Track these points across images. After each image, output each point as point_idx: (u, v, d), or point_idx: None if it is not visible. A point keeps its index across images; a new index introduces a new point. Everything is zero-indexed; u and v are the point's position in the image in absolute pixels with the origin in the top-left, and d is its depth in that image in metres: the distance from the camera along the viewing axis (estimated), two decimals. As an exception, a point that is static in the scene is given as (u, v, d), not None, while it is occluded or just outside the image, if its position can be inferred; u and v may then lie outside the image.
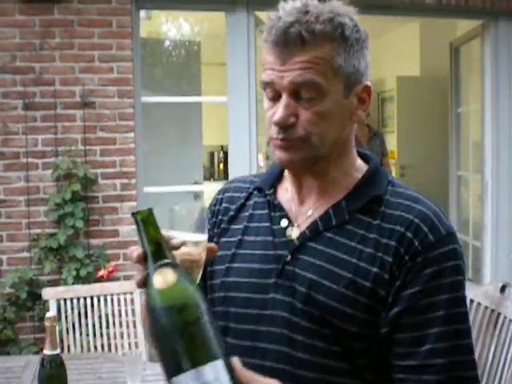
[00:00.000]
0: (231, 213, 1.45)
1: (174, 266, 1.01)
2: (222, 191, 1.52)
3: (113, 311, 3.66)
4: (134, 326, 3.61)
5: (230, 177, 4.71)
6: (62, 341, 3.54)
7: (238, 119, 4.74)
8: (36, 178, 4.40)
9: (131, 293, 3.64)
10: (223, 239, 1.42)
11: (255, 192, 1.44)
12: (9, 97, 4.37)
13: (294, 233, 1.33)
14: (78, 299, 3.62)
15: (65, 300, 3.60)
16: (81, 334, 3.64)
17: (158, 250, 1.02)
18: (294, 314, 1.26)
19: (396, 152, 8.83)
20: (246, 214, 1.42)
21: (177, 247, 1.09)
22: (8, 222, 4.37)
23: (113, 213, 4.46)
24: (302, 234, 1.32)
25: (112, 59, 4.47)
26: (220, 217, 1.46)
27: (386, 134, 8.70)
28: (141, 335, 3.59)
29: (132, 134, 4.51)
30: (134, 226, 1.05)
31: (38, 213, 4.39)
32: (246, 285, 1.34)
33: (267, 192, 1.41)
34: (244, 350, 1.28)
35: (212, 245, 1.26)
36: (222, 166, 10.18)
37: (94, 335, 3.65)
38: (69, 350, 3.54)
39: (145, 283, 1.01)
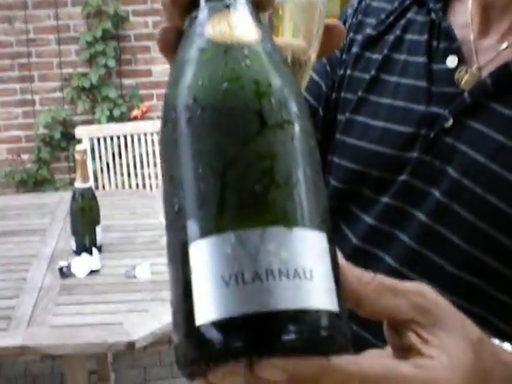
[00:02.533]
0: (368, 31, 0.89)
1: (254, 13, 0.46)
2: None
3: (147, 151, 3.61)
4: (169, 166, 3.56)
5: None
6: (96, 180, 3.53)
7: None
8: (66, 16, 4.23)
9: (165, 132, 3.57)
10: (350, 72, 0.89)
11: (414, 6, 0.88)
12: None
13: (466, 80, 0.79)
14: (112, 138, 3.57)
15: (98, 140, 3.55)
16: (115, 173, 3.62)
17: None
18: (437, 219, 0.78)
19: None
20: (391, 37, 0.88)
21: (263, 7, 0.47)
22: (39, 62, 4.27)
23: (145, 52, 4.31)
24: (481, 85, 0.77)
25: None
26: (351, 35, 0.91)
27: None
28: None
29: (163, -32, 4.27)
30: None
31: (69, 52, 4.26)
32: (369, 155, 0.84)
33: (432, 6, 0.85)
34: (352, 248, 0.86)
35: (335, 23, 0.57)
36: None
37: (129, 175, 3.62)
38: (104, 189, 3.53)
39: (178, 41, 0.46)
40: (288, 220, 0.38)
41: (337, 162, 0.88)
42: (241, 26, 0.44)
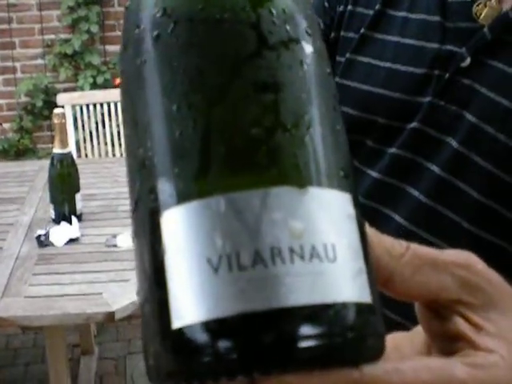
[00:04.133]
0: None
1: None
2: None
3: (131, 119, 3.50)
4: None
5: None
6: (79, 150, 3.43)
7: None
8: (47, -20, 4.11)
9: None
10: (351, 7, 0.80)
11: None
12: None
13: (485, 14, 0.69)
14: (95, 106, 3.45)
15: (81, 108, 3.44)
16: (98, 143, 3.51)
17: None
18: (453, 171, 0.70)
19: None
20: None
21: None
22: (20, 28, 4.13)
23: (130, 17, 4.19)
24: (503, 20, 0.68)
25: None
26: None
27: None
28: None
29: None
30: None
31: (50, 17, 4.13)
32: (373, 99, 0.75)
33: None
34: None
35: None
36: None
37: (113, 144, 3.52)
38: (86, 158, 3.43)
39: None
40: (300, 177, 0.27)
41: None
42: None
